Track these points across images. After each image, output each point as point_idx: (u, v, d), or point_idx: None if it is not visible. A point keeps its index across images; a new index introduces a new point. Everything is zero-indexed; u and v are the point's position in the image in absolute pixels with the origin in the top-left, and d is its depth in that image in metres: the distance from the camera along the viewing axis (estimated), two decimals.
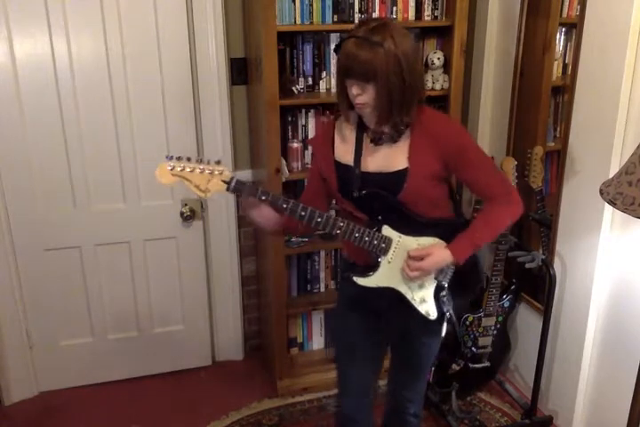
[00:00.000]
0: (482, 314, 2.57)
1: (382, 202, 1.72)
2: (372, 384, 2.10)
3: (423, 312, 1.80)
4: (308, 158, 2.66)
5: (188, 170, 1.57)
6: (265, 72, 2.32)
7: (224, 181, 1.59)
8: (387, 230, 1.73)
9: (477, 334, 2.59)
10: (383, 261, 1.75)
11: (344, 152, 1.77)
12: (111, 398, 2.84)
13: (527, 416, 2.61)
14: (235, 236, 2.91)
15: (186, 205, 2.76)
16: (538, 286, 2.64)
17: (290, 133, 2.61)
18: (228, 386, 2.93)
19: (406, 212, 1.73)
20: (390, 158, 1.72)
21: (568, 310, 2.47)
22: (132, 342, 2.93)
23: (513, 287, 2.65)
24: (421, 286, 1.79)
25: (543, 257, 2.47)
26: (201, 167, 1.57)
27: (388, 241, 1.73)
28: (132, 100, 2.56)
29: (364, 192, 1.72)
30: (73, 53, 2.44)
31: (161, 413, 2.74)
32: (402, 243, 1.74)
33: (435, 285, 1.80)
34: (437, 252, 1.71)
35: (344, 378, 2.05)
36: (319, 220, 1.67)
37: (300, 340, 2.99)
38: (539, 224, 2.65)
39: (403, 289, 1.78)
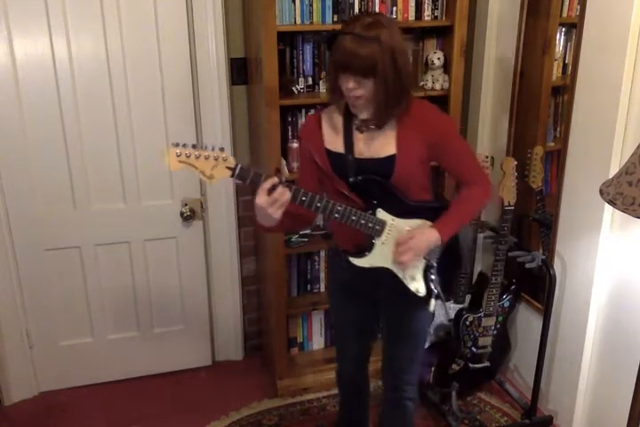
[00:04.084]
0: (482, 314, 2.57)
1: (377, 186, 1.81)
2: (369, 353, 2.25)
3: (413, 289, 1.90)
4: None
5: (194, 157, 1.59)
6: (265, 72, 2.32)
7: (228, 168, 1.62)
8: (381, 213, 1.82)
9: (477, 334, 2.59)
10: (377, 242, 1.84)
11: (333, 140, 1.85)
12: (111, 398, 2.84)
13: (527, 416, 2.61)
14: (235, 236, 2.91)
15: (186, 205, 2.76)
16: (538, 286, 2.64)
17: (290, 133, 2.61)
18: (228, 386, 2.93)
19: (399, 195, 1.83)
20: (380, 145, 1.81)
21: (568, 310, 2.47)
22: (132, 342, 2.93)
23: (513, 287, 2.65)
24: (412, 266, 1.88)
25: (543, 257, 2.47)
26: (206, 154, 1.60)
27: (382, 224, 1.82)
28: (131, 99, 2.56)
29: (360, 178, 1.80)
30: (73, 53, 2.44)
31: (161, 413, 2.74)
32: (394, 225, 1.83)
33: (424, 263, 1.90)
34: (424, 231, 1.81)
35: (343, 349, 2.25)
36: (319, 204, 1.72)
37: (300, 340, 2.99)
38: (539, 224, 2.65)
39: (395, 268, 1.87)
